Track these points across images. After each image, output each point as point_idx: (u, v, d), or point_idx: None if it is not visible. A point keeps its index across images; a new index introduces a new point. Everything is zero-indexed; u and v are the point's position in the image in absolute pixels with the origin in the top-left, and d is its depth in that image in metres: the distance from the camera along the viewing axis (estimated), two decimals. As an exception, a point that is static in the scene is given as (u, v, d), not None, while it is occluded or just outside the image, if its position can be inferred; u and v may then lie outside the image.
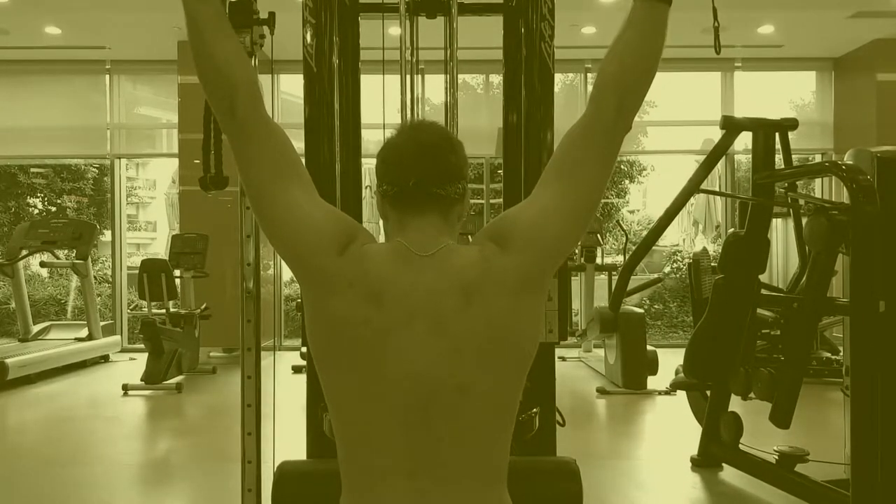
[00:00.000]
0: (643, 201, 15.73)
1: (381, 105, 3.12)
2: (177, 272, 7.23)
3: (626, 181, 13.52)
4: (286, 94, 8.71)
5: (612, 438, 5.28)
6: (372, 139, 4.32)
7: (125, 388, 6.50)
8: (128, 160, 10.19)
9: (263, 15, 2.54)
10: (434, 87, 3.97)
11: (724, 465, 4.23)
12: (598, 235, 7.94)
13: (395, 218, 1.27)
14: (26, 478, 4.28)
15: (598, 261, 8.06)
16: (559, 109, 3.01)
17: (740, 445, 4.11)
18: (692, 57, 8.04)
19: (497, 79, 8.46)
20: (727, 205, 9.24)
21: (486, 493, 1.22)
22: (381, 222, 1.34)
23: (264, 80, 2.75)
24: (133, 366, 7.58)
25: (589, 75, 9.08)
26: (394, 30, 3.01)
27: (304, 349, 4.56)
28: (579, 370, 7.36)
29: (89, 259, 7.91)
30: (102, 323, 8.24)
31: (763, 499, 3.81)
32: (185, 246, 7.39)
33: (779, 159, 4.25)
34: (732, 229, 4.72)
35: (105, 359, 8.18)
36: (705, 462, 4.30)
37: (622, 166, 13.06)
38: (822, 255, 3.50)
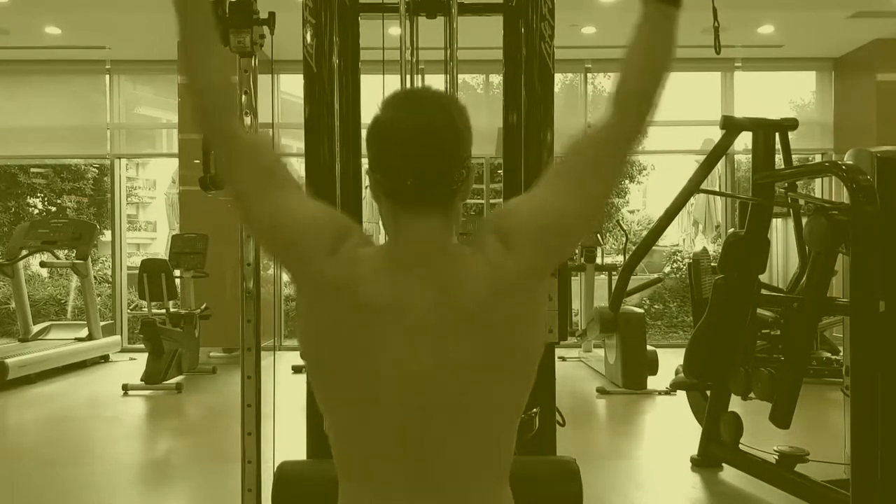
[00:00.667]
0: (643, 201, 15.73)
1: (380, 105, 3.12)
2: (177, 272, 7.23)
3: (626, 181, 13.51)
4: (286, 94, 8.71)
5: (612, 438, 5.28)
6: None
7: (125, 388, 6.50)
8: (128, 160, 10.20)
9: (263, 15, 2.54)
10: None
11: (724, 465, 4.23)
12: (598, 235, 7.94)
13: (390, 210, 1.16)
14: (26, 478, 4.28)
15: (598, 261, 8.06)
16: (559, 109, 3.01)
17: (740, 445, 4.11)
18: (692, 57, 8.01)
19: (497, 79, 8.46)
20: (727, 205, 9.24)
21: None
22: (381, 221, 1.25)
23: (264, 80, 2.76)
24: (133, 366, 7.57)
25: (589, 75, 9.08)
26: (394, 30, 3.01)
27: (304, 349, 4.55)
28: (579, 370, 7.35)
29: (89, 259, 7.91)
30: (102, 323, 8.24)
31: (763, 499, 3.81)
32: (185, 246, 7.39)
33: (779, 159, 4.25)
34: (732, 229, 4.73)
35: (105, 359, 8.18)
36: (705, 462, 4.30)
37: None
38: (822, 255, 3.50)
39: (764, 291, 4.36)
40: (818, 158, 8.92)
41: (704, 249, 5.02)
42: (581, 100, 9.08)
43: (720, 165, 8.50)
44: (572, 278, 7.66)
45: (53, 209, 13.26)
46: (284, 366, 6.66)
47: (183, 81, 1.16)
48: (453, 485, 1.14)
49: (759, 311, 4.26)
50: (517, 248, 1.13)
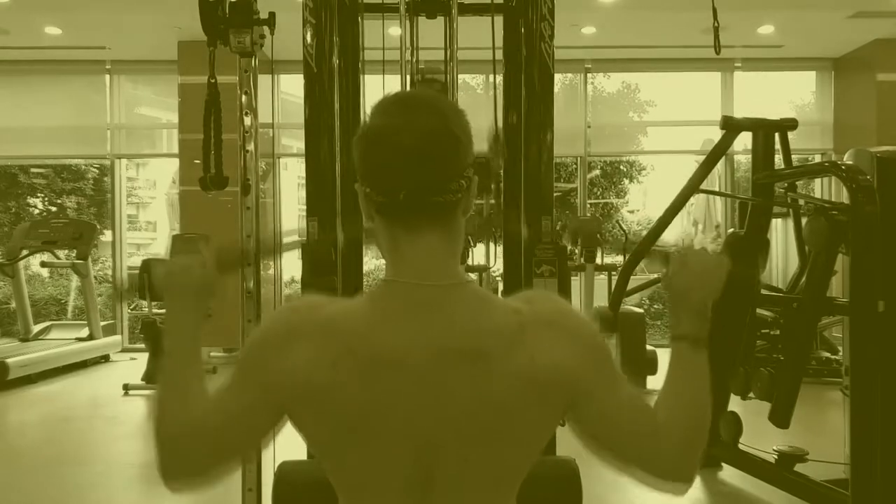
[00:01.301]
0: (643, 201, 15.72)
1: (380, 105, 3.12)
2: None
3: (626, 181, 13.51)
4: (286, 94, 8.71)
5: (611, 438, 5.28)
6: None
7: (126, 387, 6.51)
8: (128, 160, 10.19)
9: (263, 15, 2.54)
10: (434, 88, 3.97)
11: (723, 464, 4.23)
12: (598, 235, 7.94)
13: (383, 227, 1.04)
14: (26, 478, 4.28)
15: (598, 261, 8.05)
16: (558, 110, 3.02)
17: (740, 445, 4.11)
18: (692, 57, 8.07)
19: (497, 78, 8.45)
20: (727, 205, 9.24)
21: None
22: (377, 244, 1.13)
23: (264, 80, 2.76)
24: (134, 365, 7.58)
25: (589, 75, 9.08)
26: (394, 30, 3.02)
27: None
28: (579, 370, 7.34)
29: (90, 259, 7.91)
30: (103, 323, 8.24)
31: (762, 498, 3.81)
32: (185, 246, 7.38)
33: (778, 159, 4.25)
34: (732, 229, 4.73)
35: (106, 359, 8.18)
36: (705, 462, 4.25)
37: (622, 166, 13.06)
38: (822, 255, 3.50)
39: (764, 291, 4.36)
40: (818, 158, 8.91)
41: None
42: (581, 100, 9.08)
43: (720, 165, 8.50)
44: (572, 278, 7.65)
45: (54, 209, 13.26)
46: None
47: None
48: None
49: (758, 310, 4.26)
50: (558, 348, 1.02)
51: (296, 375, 1.01)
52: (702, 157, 4.43)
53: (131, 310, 9.41)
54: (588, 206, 9.53)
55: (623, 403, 1.09)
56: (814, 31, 8.04)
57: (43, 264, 9.01)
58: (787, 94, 10.00)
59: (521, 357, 1.00)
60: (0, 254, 8.20)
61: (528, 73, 2.88)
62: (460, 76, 3.39)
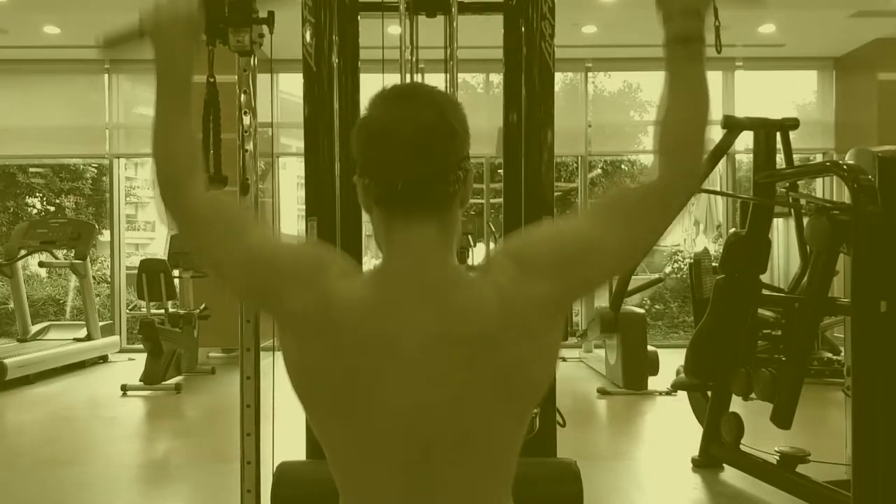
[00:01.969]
0: (643, 201, 15.72)
1: (380, 105, 3.11)
2: (176, 272, 7.22)
3: (627, 181, 13.51)
4: (286, 94, 8.70)
5: (612, 439, 5.27)
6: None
7: (124, 388, 6.49)
8: (127, 160, 10.17)
9: (263, 14, 2.53)
10: (434, 87, 3.96)
11: (724, 465, 4.22)
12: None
13: (381, 218, 1.07)
14: (26, 478, 4.27)
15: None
16: (559, 109, 3.00)
17: (741, 446, 4.10)
18: (693, 56, 8.01)
19: (497, 78, 8.45)
20: (728, 205, 9.23)
21: None
22: (374, 234, 1.17)
23: (263, 79, 2.74)
24: (132, 366, 7.56)
25: (589, 74, 9.07)
26: (393, 29, 3.00)
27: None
28: (580, 370, 7.35)
29: (88, 259, 7.89)
30: (101, 323, 8.23)
31: (764, 499, 3.80)
32: (184, 246, 7.36)
33: (780, 159, 4.24)
34: (734, 229, 4.72)
35: (104, 359, 8.17)
36: (706, 462, 4.28)
37: (622, 166, 13.06)
38: (823, 255, 3.49)
39: (765, 291, 4.35)
40: (819, 158, 8.91)
41: (705, 249, 5.02)
42: (581, 99, 9.07)
43: (721, 165, 8.49)
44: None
45: (52, 209, 13.25)
46: (284, 366, 6.65)
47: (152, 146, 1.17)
48: None
49: (760, 311, 4.25)
50: (533, 273, 1.03)
51: (306, 310, 1.03)
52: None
53: (129, 310, 9.40)
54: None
55: (600, 229, 1.08)
56: (815, 31, 8.04)
57: (41, 264, 9.00)
58: (789, 94, 9.99)
59: (511, 324, 1.02)
60: (-1, 254, 8.19)
61: (529, 72, 2.87)
62: (460, 75, 3.38)
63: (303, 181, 3.09)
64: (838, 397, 4.37)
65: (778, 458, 3.81)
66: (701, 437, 4.36)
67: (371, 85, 3.15)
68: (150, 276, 6.87)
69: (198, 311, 7.23)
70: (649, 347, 6.46)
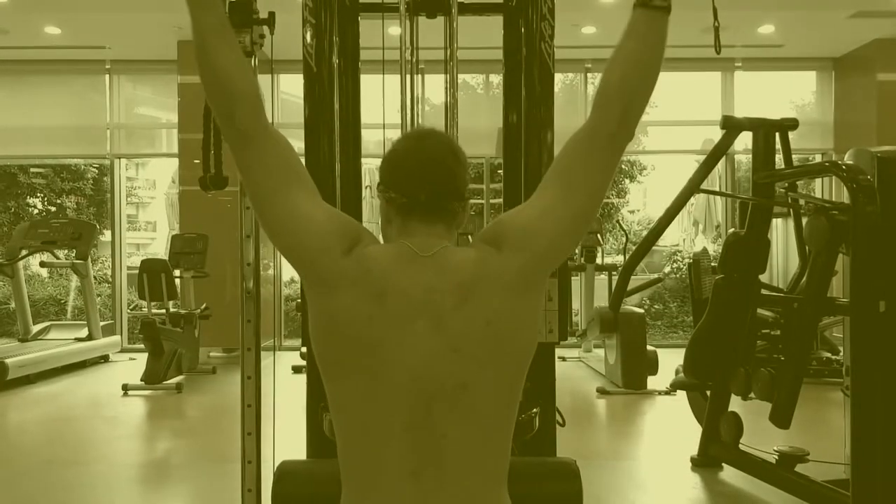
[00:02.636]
0: (643, 201, 15.73)
1: (380, 105, 3.12)
2: (177, 272, 7.23)
3: (626, 181, 13.51)
4: (286, 94, 8.71)
5: (612, 439, 5.28)
6: (372, 139, 4.32)
7: (125, 388, 6.50)
8: (128, 160, 10.19)
9: (263, 14, 2.53)
10: (434, 87, 3.97)
11: (724, 465, 4.23)
12: (598, 235, 7.94)
13: (400, 224, 1.30)
14: (26, 478, 4.28)
15: (598, 261, 8.06)
16: (559, 109, 3.01)
17: (740, 445, 4.11)
18: (692, 57, 8.03)
19: (497, 79, 8.45)
20: (727, 205, 9.24)
21: (488, 494, 1.23)
22: (380, 221, 1.38)
23: (264, 79, 2.75)
24: (133, 366, 7.57)
25: (589, 75, 9.08)
26: (394, 29, 3.01)
27: (303, 349, 4.56)
28: (579, 370, 7.35)
29: (89, 259, 7.90)
30: (102, 323, 8.23)
31: (763, 499, 3.81)
32: (184, 246, 7.38)
33: (779, 159, 4.25)
34: (733, 229, 4.72)
35: (105, 359, 8.18)
36: (705, 462, 4.29)
37: (622, 166, 13.07)
38: (822, 255, 3.49)
39: (764, 291, 4.36)
40: (818, 158, 8.91)
41: (704, 249, 5.02)
42: (581, 100, 9.07)
43: (720, 165, 8.49)
44: (572, 278, 7.65)
45: (53, 209, 13.26)
46: (284, 366, 6.66)
47: (201, 76, 1.24)
48: (456, 485, 1.19)
49: (759, 311, 4.26)
50: (507, 250, 1.24)
51: (348, 263, 1.23)
52: (702, 157, 4.42)
53: (130, 310, 9.41)
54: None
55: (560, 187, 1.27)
56: (814, 31, 8.04)
57: (42, 264, 9.01)
58: (788, 94, 10.00)
59: (484, 275, 1.22)
60: (0, 254, 8.20)
61: (529, 72, 2.87)
62: (460, 76, 3.39)
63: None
64: (837, 397, 4.39)
65: (777, 457, 3.82)
66: (700, 436, 4.37)
67: (371, 85, 3.18)
68: (151, 276, 6.88)
69: (199, 310, 7.24)
70: (648, 347, 6.46)
